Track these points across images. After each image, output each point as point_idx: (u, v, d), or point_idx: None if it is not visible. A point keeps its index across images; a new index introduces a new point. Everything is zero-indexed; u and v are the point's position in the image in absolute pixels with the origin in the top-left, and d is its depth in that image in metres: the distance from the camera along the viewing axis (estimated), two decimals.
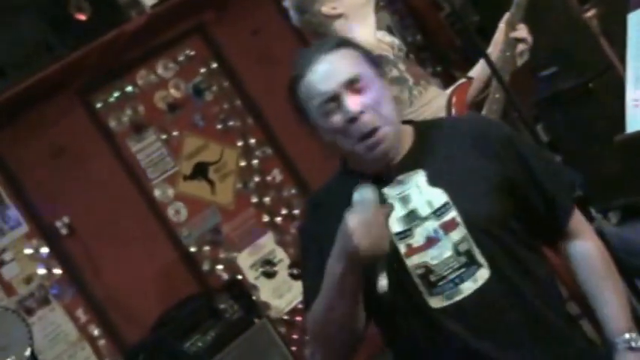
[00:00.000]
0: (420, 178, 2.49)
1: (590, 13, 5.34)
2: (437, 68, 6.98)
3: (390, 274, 2.40)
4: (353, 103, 2.43)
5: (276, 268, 6.34)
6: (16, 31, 5.64)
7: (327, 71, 2.46)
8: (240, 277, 6.20)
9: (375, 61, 2.59)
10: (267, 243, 6.38)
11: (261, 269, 6.31)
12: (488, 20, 6.33)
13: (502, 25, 4.01)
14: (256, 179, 6.50)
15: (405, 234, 2.44)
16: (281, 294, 6.27)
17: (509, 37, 3.95)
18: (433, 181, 2.47)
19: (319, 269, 2.46)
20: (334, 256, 2.38)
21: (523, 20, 4.00)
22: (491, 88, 3.96)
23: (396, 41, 4.19)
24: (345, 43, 2.55)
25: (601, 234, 2.69)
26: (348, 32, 3.97)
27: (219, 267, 6.21)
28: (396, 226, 2.44)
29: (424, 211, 2.44)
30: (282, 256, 6.38)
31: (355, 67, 2.48)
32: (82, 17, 5.80)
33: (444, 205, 2.44)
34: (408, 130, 2.61)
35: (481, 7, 6.37)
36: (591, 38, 5.30)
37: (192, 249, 6.18)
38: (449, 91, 4.11)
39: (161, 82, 6.40)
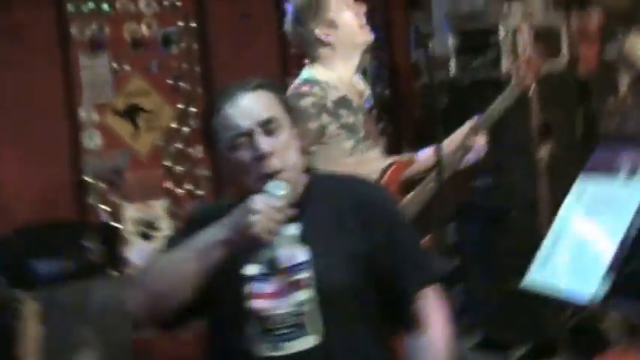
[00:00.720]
0: (292, 230, 2.55)
1: (544, 147, 5.44)
2: (389, 128, 7.04)
3: (231, 311, 2.50)
4: (264, 142, 2.50)
5: (154, 234, 6.32)
6: None
7: (246, 108, 2.53)
8: (118, 226, 6.18)
9: (292, 107, 2.69)
10: (160, 208, 6.36)
11: (140, 228, 6.28)
12: (456, 107, 6.45)
13: (467, 126, 4.07)
14: (178, 146, 6.49)
15: (259, 277, 2.50)
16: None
17: (468, 141, 4.02)
18: (303, 237, 2.54)
19: None
20: (220, 226, 2.45)
21: (487, 130, 4.08)
22: (430, 176, 4.02)
23: (368, 91, 4.23)
24: (267, 85, 2.62)
25: None
26: (329, 63, 4.02)
27: (105, 208, 6.17)
28: (254, 268, 2.50)
29: (283, 263, 2.50)
30: (166, 227, 6.36)
31: (272, 110, 2.57)
32: None
33: (303, 263, 2.51)
34: (303, 179, 2.67)
35: (454, 94, 6.47)
36: (534, 170, 5.42)
37: (89, 179, 6.14)
38: (389, 160, 4.16)
39: (137, 15, 6.38)
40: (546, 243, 3.19)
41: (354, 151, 3.97)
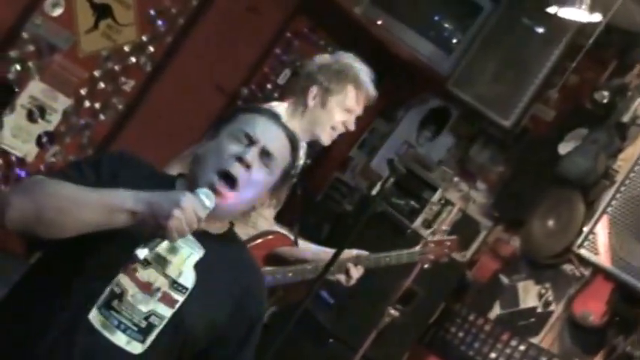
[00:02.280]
0: (197, 253, 2.54)
1: (395, 309, 5.49)
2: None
3: (94, 271, 2.43)
4: (254, 159, 2.54)
5: (40, 121, 6.20)
6: None
7: (272, 133, 2.61)
8: (16, 90, 6.04)
9: (290, 168, 2.69)
10: (61, 104, 6.25)
11: (32, 107, 6.15)
12: (351, 219, 6.52)
13: (353, 253, 4.13)
14: (116, 68, 6.41)
15: (146, 261, 2.46)
16: (17, 137, 6.13)
17: (347, 265, 4.08)
18: (197, 266, 2.53)
19: (87, 181, 2.47)
20: (137, 196, 2.38)
21: (367, 269, 4.15)
22: (296, 267, 4.07)
23: (301, 161, 4.26)
24: (296, 147, 2.69)
25: None
26: (293, 114, 4.04)
27: (17, 67, 6.02)
28: (145, 253, 2.42)
29: (172, 271, 2.49)
30: (55, 122, 6.25)
31: (281, 156, 2.61)
32: None
33: (185, 288, 2.51)
34: (227, 220, 2.68)
35: (358, 209, 6.55)
36: (372, 321, 5.47)
37: (25, 35, 5.98)
38: (276, 228, 4.20)
39: None
40: None
41: None
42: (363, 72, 4.07)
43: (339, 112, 4.05)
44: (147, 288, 2.46)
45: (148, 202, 2.37)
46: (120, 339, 2.45)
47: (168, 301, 2.48)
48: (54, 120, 6.26)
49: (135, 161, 2.66)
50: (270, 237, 4.14)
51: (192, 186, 2.51)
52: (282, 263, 4.12)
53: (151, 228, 2.38)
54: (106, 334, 2.43)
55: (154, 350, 2.48)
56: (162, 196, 2.38)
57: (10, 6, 5.88)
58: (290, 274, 4.08)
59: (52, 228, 2.37)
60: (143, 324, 2.46)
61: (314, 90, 4.02)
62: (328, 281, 4.16)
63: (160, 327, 2.48)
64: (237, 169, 2.51)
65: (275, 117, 2.67)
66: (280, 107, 4.07)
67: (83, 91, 6.34)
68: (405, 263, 4.41)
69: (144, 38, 6.46)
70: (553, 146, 5.95)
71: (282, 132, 2.64)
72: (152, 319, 2.47)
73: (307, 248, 4.29)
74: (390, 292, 5.31)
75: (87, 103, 6.39)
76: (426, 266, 4.53)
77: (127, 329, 2.45)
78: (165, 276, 2.48)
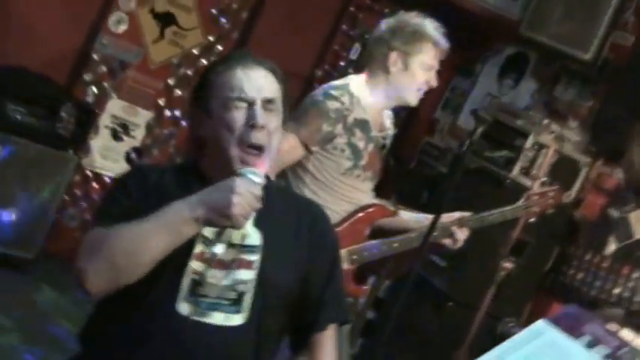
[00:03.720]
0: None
1: (508, 262, 5.41)
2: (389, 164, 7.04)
3: (169, 264, 2.42)
4: (262, 115, 2.52)
5: (125, 138, 6.26)
6: None
7: (257, 80, 2.57)
8: (98, 112, 6.10)
9: (287, 105, 2.67)
10: (142, 118, 6.31)
11: (115, 125, 6.21)
12: (447, 180, 6.44)
13: (455, 216, 4.06)
14: (188, 72, 6.45)
15: (208, 240, 2.47)
16: (106, 158, 6.19)
17: (451, 228, 4.02)
18: (257, 223, 2.52)
19: (128, 211, 2.47)
20: (190, 202, 2.39)
21: (471, 229, 4.08)
22: (400, 237, 4.02)
23: (390, 132, 4.22)
24: (279, 74, 2.65)
25: None
26: (374, 84, 4.00)
27: (94, 90, 6.09)
28: (207, 230, 2.46)
29: (236, 238, 2.50)
30: (139, 137, 6.31)
31: (277, 91, 2.60)
32: None
33: (255, 246, 2.52)
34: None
35: (453, 169, 6.48)
36: (487, 276, 5.41)
37: (95, 56, 6.06)
38: (375, 201, 4.16)
39: None
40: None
41: (349, 173, 3.97)
42: (435, 28, 4.03)
43: (421, 72, 4.01)
44: (221, 264, 2.48)
45: (202, 202, 2.39)
46: (217, 318, 2.46)
47: (245, 265, 2.50)
48: (138, 135, 6.32)
49: (153, 166, 2.66)
50: (370, 210, 4.10)
51: (222, 169, 2.51)
52: (385, 235, 4.07)
53: (218, 223, 2.40)
54: (204, 319, 2.45)
55: (255, 315, 2.50)
56: (214, 191, 2.40)
57: (76, 31, 5.97)
58: (396, 245, 4.03)
59: (132, 272, 2.39)
60: (233, 295, 2.48)
61: (393, 56, 3.98)
62: (436, 245, 4.11)
63: (250, 291, 2.49)
64: (257, 137, 2.51)
65: (244, 57, 2.61)
66: (359, 79, 4.04)
67: (161, 102, 6.40)
68: (509, 219, 4.33)
69: (210, 38, 6.49)
70: (639, 70, 5.80)
71: (261, 69, 2.59)
72: (239, 287, 2.49)
73: (409, 217, 4.24)
74: (500, 245, 5.23)
75: (167, 113, 6.45)
76: (531, 220, 4.46)
77: (220, 306, 2.47)
78: (232, 245, 2.49)
